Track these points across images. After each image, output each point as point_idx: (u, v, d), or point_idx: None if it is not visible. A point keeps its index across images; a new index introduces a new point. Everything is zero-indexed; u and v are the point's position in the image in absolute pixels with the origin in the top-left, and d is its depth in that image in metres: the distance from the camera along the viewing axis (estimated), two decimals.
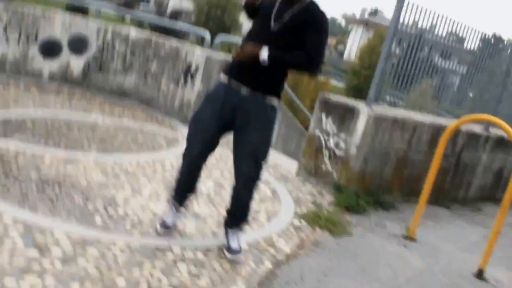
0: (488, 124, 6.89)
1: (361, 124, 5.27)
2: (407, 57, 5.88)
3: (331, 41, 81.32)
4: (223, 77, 3.38)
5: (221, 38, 7.47)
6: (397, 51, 5.99)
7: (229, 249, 3.51)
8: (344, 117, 5.42)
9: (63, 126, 5.83)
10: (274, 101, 3.34)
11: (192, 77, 7.12)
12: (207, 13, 56.57)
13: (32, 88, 7.20)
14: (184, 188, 3.64)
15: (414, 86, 6.14)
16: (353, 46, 59.06)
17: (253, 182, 3.42)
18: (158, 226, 3.66)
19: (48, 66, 7.68)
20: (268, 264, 3.55)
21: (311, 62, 3.16)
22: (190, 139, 3.43)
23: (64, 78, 7.78)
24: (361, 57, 35.14)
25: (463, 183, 6.72)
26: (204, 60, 7.05)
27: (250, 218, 4.00)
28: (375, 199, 5.41)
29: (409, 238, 4.75)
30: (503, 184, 6.98)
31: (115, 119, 6.63)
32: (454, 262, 4.52)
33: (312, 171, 5.67)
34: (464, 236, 5.33)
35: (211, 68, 7.05)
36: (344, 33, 75.83)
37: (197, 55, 7.16)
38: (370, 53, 30.90)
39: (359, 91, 26.75)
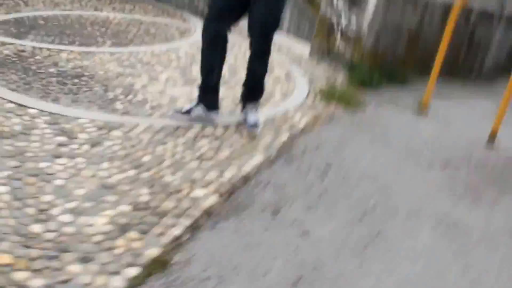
0: (502, 2, 6.72)
1: (372, 0, 5.21)
2: None
3: None
4: None
5: None
6: None
7: (247, 123, 3.63)
8: None
9: (75, 23, 5.85)
10: None
11: None
12: None
13: None
14: (210, 70, 3.63)
15: None
16: None
17: (264, 54, 3.53)
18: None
19: None
20: (285, 136, 3.68)
21: None
22: (209, 11, 3.51)
23: None
24: None
25: (477, 59, 6.68)
26: None
27: (265, 96, 4.10)
28: (388, 75, 5.44)
29: (422, 110, 4.83)
30: None
31: (126, 14, 6.62)
32: (465, 130, 4.61)
33: (325, 52, 5.68)
34: (477, 109, 5.39)
35: None
36: None
37: None
38: None
39: None
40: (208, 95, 3.67)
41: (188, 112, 3.67)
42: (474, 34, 6.38)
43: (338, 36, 5.50)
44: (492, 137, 4.41)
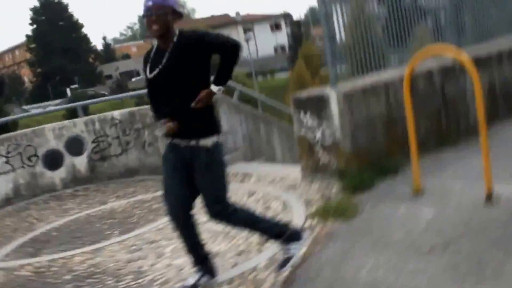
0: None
1: (334, 106, 5.46)
2: (393, 12, 6.13)
3: (317, 31, 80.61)
4: (167, 141, 3.60)
5: None
6: (381, 10, 6.30)
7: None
8: (318, 106, 5.62)
9: (85, 224, 6.18)
10: (211, 140, 3.44)
11: None
12: None
13: (51, 201, 7.61)
14: (192, 248, 3.70)
15: (411, 36, 6.27)
16: (341, 28, 58.82)
17: (226, 217, 3.56)
18: None
19: (58, 175, 8.11)
20: (285, 273, 3.73)
21: (235, 48, 3.34)
22: (164, 201, 3.61)
23: (75, 180, 8.18)
24: (349, 36, 35.06)
25: (460, 116, 6.65)
26: None
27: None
28: (378, 170, 5.51)
29: (417, 193, 4.86)
30: (501, 98, 6.97)
31: (129, 199, 6.96)
32: (464, 197, 4.60)
33: (313, 169, 5.86)
34: (471, 169, 5.37)
35: None
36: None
37: None
38: (355, 28, 30.85)
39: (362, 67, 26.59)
40: (203, 264, 3.74)
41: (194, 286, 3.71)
42: (445, 93, 6.45)
43: (319, 150, 5.71)
44: (489, 195, 4.39)
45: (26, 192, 7.97)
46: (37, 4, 71.20)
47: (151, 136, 7.98)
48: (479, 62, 5.61)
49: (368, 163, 5.60)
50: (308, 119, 5.73)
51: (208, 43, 3.34)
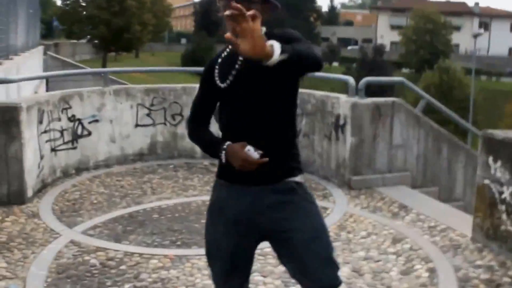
0: None
1: None
2: None
3: None
4: (221, 181, 2.53)
5: (365, 81, 6.50)
6: None
7: None
8: None
9: (191, 214, 5.44)
10: (303, 178, 2.49)
11: (342, 130, 6.27)
12: (415, 41, 55.45)
13: (180, 170, 7.06)
14: None
15: None
16: None
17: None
18: None
19: None
20: None
21: (316, 61, 2.25)
22: (215, 280, 2.62)
23: None
24: None
25: None
26: (350, 108, 6.13)
27: None
28: None
29: None
30: None
31: None
32: None
33: (490, 233, 4.39)
34: None
35: (360, 117, 6.15)
36: None
37: (343, 104, 6.28)
38: None
39: None
40: None
41: None
42: None
43: (504, 212, 4.22)
44: None
45: (161, 152, 7.56)
46: None
47: (308, 126, 6.91)
48: None
49: None
50: (498, 168, 4.25)
51: (294, 40, 2.29)
